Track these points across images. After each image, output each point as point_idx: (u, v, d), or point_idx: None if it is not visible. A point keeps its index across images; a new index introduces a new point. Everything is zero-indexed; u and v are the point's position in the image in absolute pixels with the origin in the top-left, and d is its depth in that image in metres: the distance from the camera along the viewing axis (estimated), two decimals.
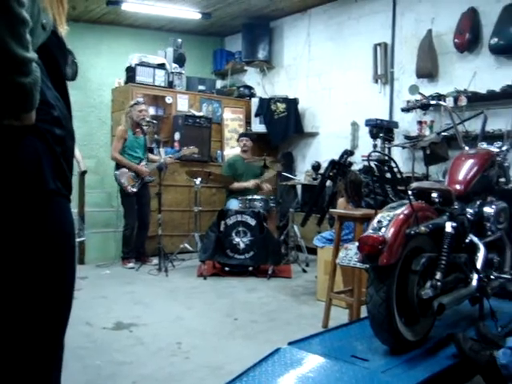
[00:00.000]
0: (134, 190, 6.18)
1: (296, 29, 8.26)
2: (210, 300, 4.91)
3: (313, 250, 5.76)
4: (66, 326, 1.26)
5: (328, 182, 5.39)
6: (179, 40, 7.89)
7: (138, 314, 4.34)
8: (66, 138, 1.18)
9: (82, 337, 3.68)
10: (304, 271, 6.12)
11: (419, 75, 6.37)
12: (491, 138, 3.87)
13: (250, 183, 6.69)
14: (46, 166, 1.11)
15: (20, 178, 1.07)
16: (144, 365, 3.25)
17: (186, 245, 6.55)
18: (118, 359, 3.32)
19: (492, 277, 2.97)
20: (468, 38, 5.85)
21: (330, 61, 7.68)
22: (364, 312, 2.77)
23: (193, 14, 8.06)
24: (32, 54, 1.01)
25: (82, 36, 7.91)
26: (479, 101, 5.62)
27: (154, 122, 6.33)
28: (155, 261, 6.17)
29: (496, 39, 5.58)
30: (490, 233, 2.99)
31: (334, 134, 7.54)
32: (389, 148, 6.45)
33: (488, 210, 2.99)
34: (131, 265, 6.24)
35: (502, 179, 3.37)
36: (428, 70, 6.27)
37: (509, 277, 3.12)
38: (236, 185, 6.69)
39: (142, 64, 7.30)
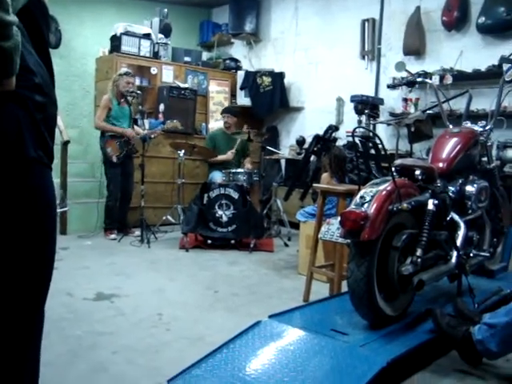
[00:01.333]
0: (120, 159, 6.13)
1: (284, 2, 8.17)
2: (191, 272, 4.92)
3: (295, 225, 5.79)
4: (46, 294, 1.25)
5: (312, 157, 5.40)
6: (165, 10, 7.76)
7: (120, 285, 4.34)
8: (48, 105, 1.16)
9: (63, 307, 3.68)
10: (286, 245, 6.16)
11: (406, 52, 6.36)
12: (476, 117, 3.89)
13: (227, 155, 6.65)
14: (27, 134, 1.09)
15: (0, 146, 1.05)
16: (124, 335, 3.26)
17: (169, 217, 6.54)
18: (99, 330, 3.33)
19: (471, 254, 3.02)
20: (456, 16, 5.83)
21: (317, 36, 7.63)
22: (345, 287, 2.80)
23: None
24: (12, 17, 0.98)
25: (66, 3, 7.74)
26: (465, 80, 5.62)
27: (139, 92, 6.25)
28: (137, 232, 6.16)
29: (483, 18, 5.57)
30: (470, 211, 3.02)
31: (319, 109, 7.52)
32: (374, 124, 6.44)
33: (470, 188, 3.01)
34: (113, 236, 6.22)
35: (485, 158, 3.40)
36: (415, 47, 6.25)
37: (487, 255, 3.18)
38: (216, 158, 6.66)
39: (127, 33, 7.17)
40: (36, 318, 1.24)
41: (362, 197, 2.40)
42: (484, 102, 4.98)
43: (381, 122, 6.39)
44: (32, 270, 1.17)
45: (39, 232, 1.17)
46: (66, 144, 6.40)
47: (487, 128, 3.37)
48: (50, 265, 1.24)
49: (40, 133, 1.13)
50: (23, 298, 1.17)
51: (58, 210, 6.06)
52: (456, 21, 5.86)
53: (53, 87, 1.20)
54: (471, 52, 5.80)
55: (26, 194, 1.12)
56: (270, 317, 2.56)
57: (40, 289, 1.22)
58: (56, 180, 6.25)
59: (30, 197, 1.13)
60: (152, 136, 6.24)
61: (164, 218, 6.51)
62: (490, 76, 5.26)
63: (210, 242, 5.90)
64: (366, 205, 2.35)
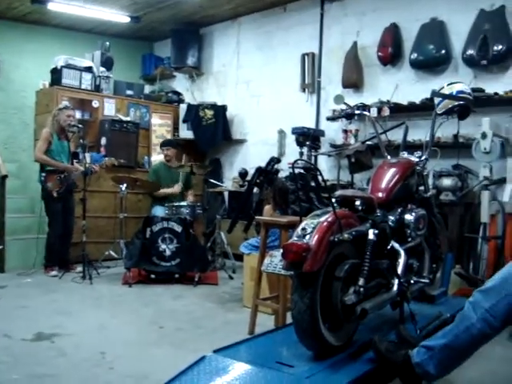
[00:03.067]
0: (60, 194, 5.99)
1: (226, 36, 8.30)
2: (135, 308, 4.83)
3: (240, 257, 5.78)
4: None
5: (255, 189, 5.43)
6: (107, 43, 7.74)
7: (61, 323, 4.20)
8: None
9: (0, 350, 3.53)
10: (231, 278, 6.13)
11: (345, 85, 6.55)
12: (412, 147, 4.01)
13: (174, 188, 6.63)
14: None
15: None
16: (66, 377, 3.15)
17: (111, 252, 6.42)
18: (39, 372, 3.20)
19: (412, 281, 3.09)
20: (390, 51, 6.08)
21: (259, 69, 7.77)
22: (290, 318, 2.80)
23: (122, 18, 7.95)
24: None
25: (5, 34, 7.64)
26: (401, 112, 5.84)
27: (80, 126, 6.16)
28: (79, 268, 6.00)
29: (415, 54, 5.85)
30: (410, 239, 3.10)
31: (261, 141, 7.61)
32: (315, 156, 6.58)
33: (408, 217, 3.10)
34: (54, 273, 6.04)
35: (422, 187, 3.51)
36: (353, 80, 6.45)
37: (427, 281, 3.25)
38: (161, 192, 6.62)
39: (68, 66, 7.10)
40: None
41: (303, 228, 2.43)
42: (420, 132, 5.16)
43: (322, 154, 6.52)
44: None
45: None
46: (3, 178, 6.23)
47: (423, 158, 3.49)
48: None
49: None
50: None
51: None
52: (391, 56, 6.10)
53: None
54: (406, 85, 6.04)
55: None
56: (215, 351, 2.53)
57: None
58: None
59: None
60: (92, 170, 6.15)
61: (106, 253, 6.39)
62: (425, 108, 5.47)
63: (153, 276, 5.81)
64: (307, 236, 2.37)
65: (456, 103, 3.48)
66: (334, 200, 2.64)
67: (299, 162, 5.57)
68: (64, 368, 3.29)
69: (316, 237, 2.37)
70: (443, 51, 5.64)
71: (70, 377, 3.15)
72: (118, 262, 6.40)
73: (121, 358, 3.47)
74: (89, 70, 7.34)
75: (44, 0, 7.20)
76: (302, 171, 5.89)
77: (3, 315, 4.30)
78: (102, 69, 7.54)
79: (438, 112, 3.56)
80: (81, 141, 6.35)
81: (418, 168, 3.40)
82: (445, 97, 3.51)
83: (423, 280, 3.19)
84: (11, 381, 3.07)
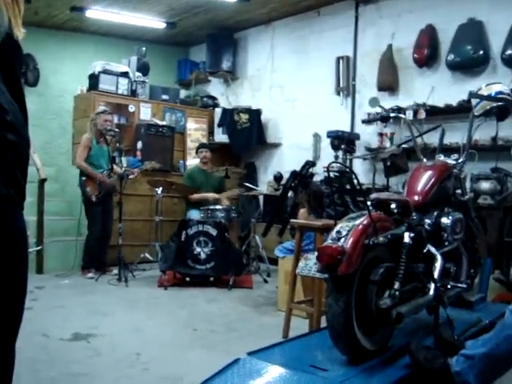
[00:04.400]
0: (99, 199, 6.09)
1: (260, 41, 8.32)
2: (170, 310, 4.86)
3: (274, 261, 5.77)
4: (16, 334, 1.23)
5: (290, 193, 5.42)
6: (143, 48, 7.86)
7: (97, 324, 4.26)
8: (20, 144, 1.15)
9: (38, 348, 3.60)
10: (265, 281, 6.13)
11: (380, 88, 6.49)
12: (449, 150, 3.95)
13: (210, 195, 6.66)
14: None
15: None
16: (101, 376, 3.20)
17: (147, 254, 6.49)
18: (75, 371, 3.26)
19: (449, 286, 3.03)
20: (426, 53, 6.00)
21: (293, 73, 7.76)
22: (324, 322, 2.78)
23: (158, 24, 8.06)
24: None
25: (45, 42, 7.81)
26: (437, 114, 5.76)
27: (117, 130, 6.26)
28: (115, 271, 6.08)
29: (452, 56, 5.75)
30: (446, 243, 3.04)
31: (296, 145, 7.60)
32: (350, 159, 6.54)
33: (445, 220, 3.04)
34: (91, 275, 6.14)
35: (459, 191, 3.45)
36: (388, 83, 6.39)
37: (465, 286, 3.19)
38: (195, 196, 6.65)
39: (105, 72, 7.23)
40: (5, 359, 1.21)
41: (338, 231, 2.41)
42: (456, 135, 5.08)
43: (357, 157, 6.47)
44: (1, 311, 1.15)
45: (8, 270, 1.15)
46: (43, 182, 6.36)
47: (460, 161, 3.43)
48: (19, 304, 1.21)
49: (12, 172, 1.13)
50: None
51: (32, 249, 5.97)
52: (427, 58, 6.02)
53: (26, 126, 1.20)
54: (442, 87, 5.95)
55: None
56: (249, 354, 2.52)
57: (9, 329, 1.20)
58: (33, 218, 6.20)
59: (1, 233, 1.11)
60: (130, 177, 6.23)
61: (142, 255, 6.46)
62: (462, 110, 5.38)
63: (188, 279, 5.85)
64: (342, 239, 2.35)
65: (494, 104, 3.41)
66: (369, 203, 2.61)
67: (334, 165, 5.54)
68: (99, 368, 3.34)
69: (351, 240, 2.35)
70: (481, 52, 5.54)
71: (105, 376, 3.20)
72: (154, 265, 6.46)
73: (155, 360, 3.50)
74: (125, 75, 7.46)
75: (82, 8, 7.36)
76: (337, 174, 5.85)
77: (41, 315, 4.38)
78: (138, 74, 7.66)
79: (476, 114, 3.49)
80: (117, 145, 6.44)
81: (454, 171, 3.34)
82: (483, 98, 3.44)
83: (460, 285, 3.13)
84: (49, 379, 3.13)
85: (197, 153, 7.07)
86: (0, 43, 1.11)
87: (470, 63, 5.67)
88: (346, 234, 2.37)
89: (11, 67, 1.18)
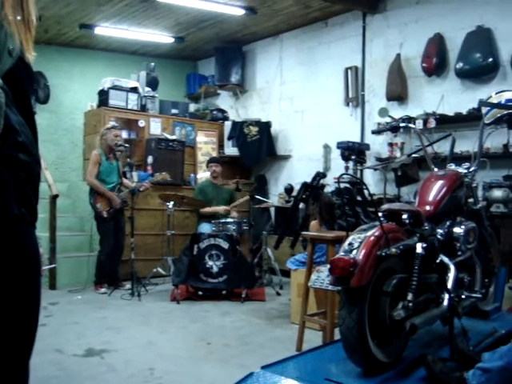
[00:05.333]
0: (110, 214, 6.12)
1: (268, 53, 8.36)
2: (183, 324, 4.86)
3: (287, 273, 5.75)
4: (30, 352, 1.23)
5: (301, 205, 5.41)
6: (152, 64, 7.92)
7: (110, 339, 4.27)
8: (31, 164, 1.17)
9: (52, 365, 3.60)
10: (278, 294, 6.10)
11: (389, 98, 6.48)
12: (460, 159, 3.93)
13: (221, 208, 6.67)
14: (11, 192, 1.10)
15: None
16: None
17: (159, 269, 6.49)
18: None
19: (463, 296, 3.00)
20: (435, 62, 5.98)
21: (302, 84, 7.78)
22: (338, 334, 2.76)
23: (166, 38, 8.12)
24: None
25: (55, 59, 7.90)
26: (447, 123, 5.73)
27: (126, 145, 6.30)
28: (128, 285, 6.08)
29: (461, 64, 5.73)
30: (460, 253, 3.02)
31: (306, 156, 7.60)
32: (361, 170, 6.53)
33: (457, 230, 3.02)
34: (104, 290, 6.15)
35: (471, 199, 3.43)
36: (398, 93, 6.38)
37: (479, 296, 3.16)
38: (206, 209, 6.67)
39: (114, 88, 7.29)
40: (20, 377, 1.21)
41: (350, 243, 2.40)
42: (467, 144, 5.07)
43: (368, 167, 6.46)
44: (15, 328, 1.16)
45: (22, 289, 1.16)
46: (54, 198, 6.40)
47: (471, 169, 3.42)
48: (33, 322, 1.22)
49: (24, 191, 1.14)
50: (6, 356, 1.15)
51: (46, 267, 6.00)
52: (435, 67, 6.01)
53: (36, 147, 1.22)
54: (452, 96, 5.93)
55: (10, 251, 1.12)
56: (263, 368, 2.51)
57: (23, 347, 1.20)
58: (45, 234, 6.23)
59: (14, 254, 1.13)
60: (141, 189, 6.25)
61: (154, 270, 6.47)
62: (472, 119, 5.36)
63: (201, 293, 5.84)
64: (354, 251, 2.35)
65: (505, 112, 3.40)
66: (380, 214, 2.60)
67: (345, 176, 5.53)
68: (114, 383, 3.33)
69: (363, 251, 2.34)
70: (490, 59, 5.52)
71: None
72: (166, 279, 6.47)
73: (169, 374, 3.49)
74: (135, 90, 7.51)
75: (91, 25, 7.45)
76: (347, 185, 5.84)
77: (55, 331, 4.39)
78: (148, 89, 7.71)
79: (487, 122, 3.48)
80: (128, 160, 6.47)
81: (466, 180, 3.33)
82: (493, 106, 3.44)
83: (475, 295, 3.10)
84: None
85: (207, 167, 7.10)
86: (12, 68, 1.13)
87: (479, 71, 5.65)
88: (358, 246, 2.37)
89: (23, 90, 1.20)
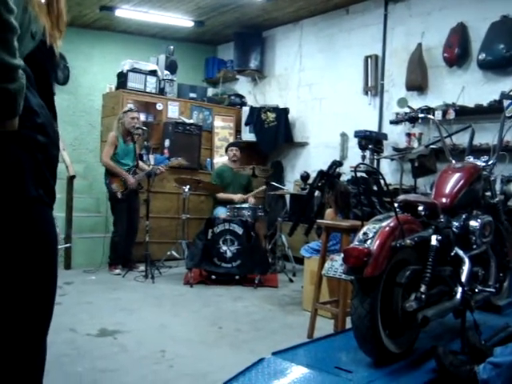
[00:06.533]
0: (124, 196, 6.16)
1: (288, 39, 8.30)
2: (195, 308, 4.89)
3: (300, 260, 5.76)
4: (47, 330, 1.26)
5: (316, 193, 5.40)
6: (171, 47, 7.90)
7: (123, 320, 4.31)
8: (49, 145, 1.18)
9: (65, 343, 3.65)
10: (291, 281, 6.12)
11: (409, 88, 6.42)
12: (479, 151, 3.91)
13: (237, 196, 6.67)
14: (28, 173, 1.12)
15: (1, 185, 1.07)
16: (127, 373, 3.23)
17: (173, 252, 6.54)
18: (101, 366, 3.30)
19: (476, 290, 2.99)
20: (457, 52, 5.91)
21: (321, 72, 7.72)
22: (349, 323, 2.77)
23: (186, 22, 8.09)
24: (19, 61, 1.01)
25: (75, 41, 7.91)
26: (467, 115, 5.67)
27: (144, 128, 6.31)
28: (142, 267, 6.13)
29: (484, 55, 5.64)
30: (475, 246, 3.01)
31: (323, 144, 7.57)
32: (378, 159, 6.49)
33: (473, 223, 3.00)
34: (118, 271, 6.21)
35: (488, 193, 3.40)
36: (418, 82, 6.31)
37: (493, 290, 3.14)
38: (222, 195, 6.68)
39: (133, 70, 7.29)
40: (37, 353, 1.24)
41: (364, 233, 2.40)
42: (487, 136, 5.01)
43: (385, 157, 6.42)
44: (32, 306, 1.19)
45: (39, 269, 1.18)
46: (71, 179, 6.45)
47: (490, 163, 3.39)
48: (50, 301, 1.25)
49: (41, 173, 1.16)
50: (24, 332, 1.18)
51: (61, 246, 6.07)
52: (457, 57, 5.93)
53: (55, 129, 1.23)
54: (473, 87, 5.86)
55: (26, 231, 1.14)
56: (274, 354, 2.53)
57: (41, 324, 1.23)
58: (61, 215, 6.30)
59: (31, 234, 1.15)
60: (157, 172, 6.27)
61: (168, 253, 6.51)
62: (492, 111, 5.30)
63: (214, 277, 5.87)
64: (369, 241, 2.35)
65: None
66: (396, 205, 2.59)
67: (361, 165, 5.50)
68: (125, 364, 3.37)
69: (377, 242, 2.34)
70: None
71: (131, 373, 3.23)
72: (180, 262, 6.51)
73: (180, 357, 3.53)
74: (153, 73, 7.51)
75: (112, 7, 7.44)
76: (364, 175, 5.82)
77: (69, 310, 4.45)
78: (166, 72, 7.71)
79: (507, 115, 3.44)
80: (145, 143, 6.50)
81: (484, 173, 3.30)
82: None
83: (489, 289, 3.09)
84: (75, 373, 3.17)
85: (226, 151, 7.09)
86: (34, 50, 1.14)
87: (502, 62, 5.55)
88: (373, 236, 2.37)
89: (44, 73, 1.21)
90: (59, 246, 5.34)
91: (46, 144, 1.17)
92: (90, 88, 8.34)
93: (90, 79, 8.36)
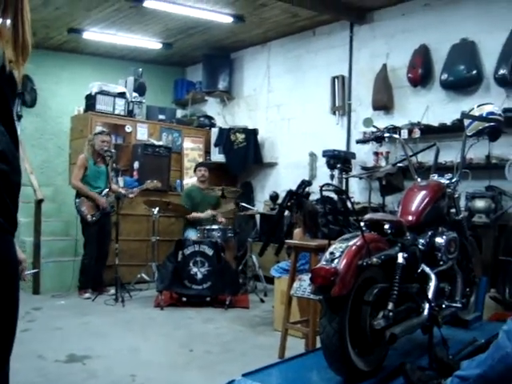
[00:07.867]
0: (94, 219, 6.10)
1: (256, 61, 8.39)
2: (166, 331, 4.85)
3: (271, 280, 5.75)
4: (7, 358, 1.24)
5: (286, 212, 5.43)
6: (140, 69, 7.91)
7: (93, 345, 4.25)
8: (10, 172, 1.18)
9: (33, 371, 3.58)
10: (262, 301, 6.11)
11: (375, 107, 6.53)
12: (444, 169, 3.98)
13: (207, 214, 6.68)
14: None
15: None
16: None
17: (144, 275, 6.48)
18: None
19: (443, 306, 3.04)
20: (420, 73, 6.05)
21: (289, 92, 7.81)
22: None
23: (154, 44, 8.13)
24: None
25: (43, 63, 7.86)
26: (432, 133, 5.78)
27: (113, 151, 6.28)
28: (112, 291, 6.06)
29: (446, 75, 5.80)
30: (441, 262, 3.06)
31: (292, 164, 7.62)
32: (346, 178, 6.56)
33: (439, 240, 3.06)
34: (88, 295, 6.12)
35: (453, 210, 3.47)
36: (383, 102, 6.43)
37: (460, 305, 3.19)
38: (193, 215, 6.67)
39: (102, 92, 7.27)
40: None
41: (331, 253, 2.43)
42: (452, 154, 5.11)
43: (353, 176, 6.50)
44: None
45: (1, 297, 1.17)
46: (39, 202, 6.37)
47: (454, 180, 3.46)
48: (10, 329, 1.23)
49: (2, 200, 1.15)
50: None
51: (29, 272, 5.95)
52: (421, 77, 6.07)
53: (17, 156, 1.22)
54: (437, 107, 6.00)
55: None
56: (244, 375, 2.53)
57: (1, 351, 1.22)
58: (30, 239, 6.20)
59: None
60: (130, 196, 6.24)
61: (139, 275, 6.45)
62: (456, 129, 5.41)
63: (184, 299, 5.83)
64: (335, 260, 2.37)
65: (486, 125, 3.45)
66: (362, 223, 2.63)
67: (328, 185, 5.55)
68: None
69: (344, 261, 2.37)
70: (474, 71, 5.59)
71: None
72: (150, 285, 6.45)
73: (151, 381, 3.49)
74: (122, 95, 7.50)
75: (79, 29, 7.45)
76: (332, 194, 5.87)
77: (38, 337, 4.37)
78: (135, 94, 7.70)
79: (468, 134, 3.53)
80: (114, 165, 6.46)
81: (448, 190, 3.37)
82: (474, 119, 3.49)
83: (455, 304, 3.14)
84: None
85: (195, 171, 7.10)
86: None
87: (463, 83, 5.72)
88: (340, 256, 2.39)
89: (4, 99, 1.20)
90: (27, 272, 5.22)
91: (7, 171, 1.16)
92: (59, 110, 8.27)
93: (59, 101, 8.30)
